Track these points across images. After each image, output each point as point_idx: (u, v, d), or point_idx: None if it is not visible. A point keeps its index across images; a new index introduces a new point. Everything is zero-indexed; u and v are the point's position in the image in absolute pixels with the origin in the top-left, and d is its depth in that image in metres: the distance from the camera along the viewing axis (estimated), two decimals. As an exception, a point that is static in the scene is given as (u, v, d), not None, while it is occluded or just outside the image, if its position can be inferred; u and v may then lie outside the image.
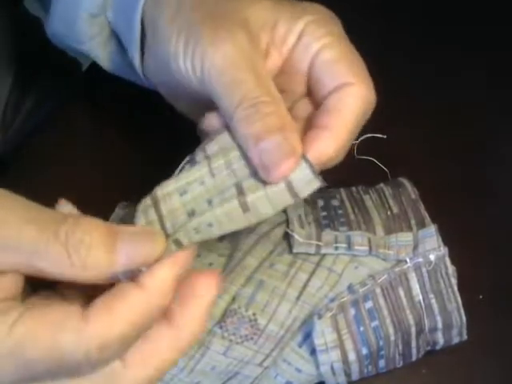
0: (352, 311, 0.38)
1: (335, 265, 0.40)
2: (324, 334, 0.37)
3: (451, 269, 0.40)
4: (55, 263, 0.26)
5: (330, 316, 0.37)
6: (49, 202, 0.48)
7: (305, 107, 0.36)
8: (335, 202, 0.42)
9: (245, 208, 0.30)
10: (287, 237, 0.41)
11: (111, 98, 0.53)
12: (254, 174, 0.31)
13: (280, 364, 0.39)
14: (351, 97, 0.34)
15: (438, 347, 0.41)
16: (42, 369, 0.25)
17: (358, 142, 0.48)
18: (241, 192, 0.31)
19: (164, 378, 0.37)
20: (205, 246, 0.41)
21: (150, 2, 0.38)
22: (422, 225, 0.41)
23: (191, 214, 0.31)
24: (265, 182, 0.31)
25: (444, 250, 0.40)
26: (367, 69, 0.39)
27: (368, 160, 0.48)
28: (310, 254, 0.40)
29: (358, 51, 0.38)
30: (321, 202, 0.42)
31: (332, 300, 0.39)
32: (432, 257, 0.39)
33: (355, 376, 0.39)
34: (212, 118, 0.35)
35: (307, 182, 0.31)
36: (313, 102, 0.36)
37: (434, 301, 0.39)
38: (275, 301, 0.39)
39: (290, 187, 0.31)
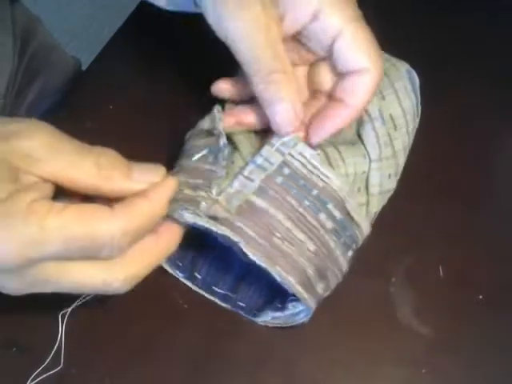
0: None
1: None
2: None
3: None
4: (86, 173, 0.34)
5: None
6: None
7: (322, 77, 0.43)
8: None
9: None
10: None
11: (111, 97, 0.53)
12: None
13: None
14: (368, 82, 0.40)
15: None
16: (77, 246, 0.33)
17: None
18: None
19: None
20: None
21: None
22: None
23: None
24: None
25: None
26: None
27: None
28: None
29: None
30: None
31: None
32: None
33: None
34: (222, 85, 0.43)
35: None
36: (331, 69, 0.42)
37: None
38: None
39: None
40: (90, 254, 0.34)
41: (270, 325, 0.43)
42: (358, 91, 0.40)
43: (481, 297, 0.44)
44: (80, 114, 0.53)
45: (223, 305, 0.44)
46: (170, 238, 0.38)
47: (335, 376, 0.42)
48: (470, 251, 0.46)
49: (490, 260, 0.46)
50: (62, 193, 0.35)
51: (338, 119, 0.41)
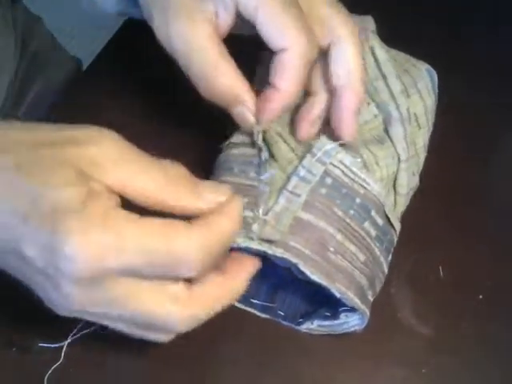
0: None
1: None
2: None
3: None
4: (154, 184, 0.32)
5: None
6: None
7: None
8: None
9: None
10: None
11: (111, 97, 0.53)
12: None
13: None
14: (290, 61, 0.37)
15: None
16: (155, 259, 0.31)
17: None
18: None
19: None
20: None
21: None
22: None
23: None
24: None
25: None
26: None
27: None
28: None
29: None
30: None
31: None
32: None
33: None
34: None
35: None
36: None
37: None
38: None
39: None
40: (169, 270, 0.32)
41: (315, 332, 0.42)
42: (284, 72, 0.38)
43: (481, 297, 0.44)
44: (80, 113, 0.53)
45: (262, 315, 0.43)
46: (238, 276, 0.36)
47: (336, 376, 0.42)
48: (470, 251, 0.46)
49: (490, 260, 0.46)
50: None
51: (272, 104, 0.38)
